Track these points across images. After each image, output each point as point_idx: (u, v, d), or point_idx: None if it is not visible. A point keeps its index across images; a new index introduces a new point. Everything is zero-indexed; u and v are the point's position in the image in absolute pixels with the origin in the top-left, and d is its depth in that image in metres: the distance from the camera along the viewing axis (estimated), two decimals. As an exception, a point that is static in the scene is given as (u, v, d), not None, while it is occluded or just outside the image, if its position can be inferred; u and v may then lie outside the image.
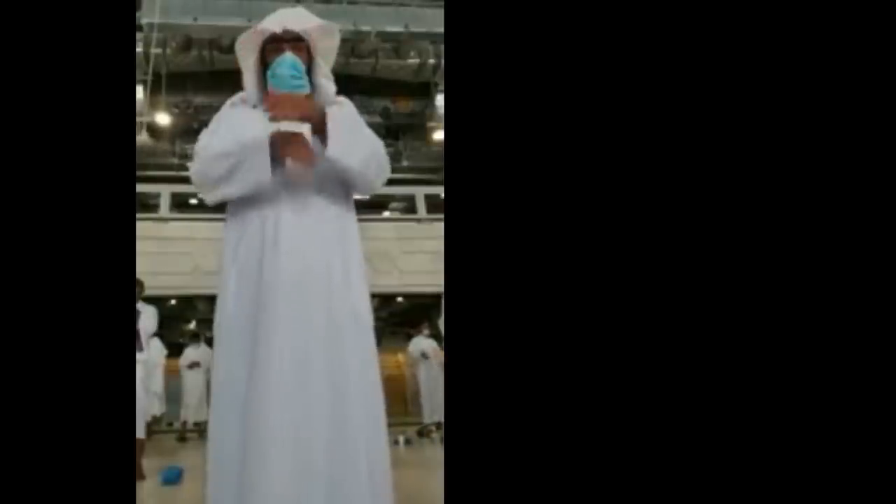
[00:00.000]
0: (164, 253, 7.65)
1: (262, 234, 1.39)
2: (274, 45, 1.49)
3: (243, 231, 1.42)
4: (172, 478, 3.48)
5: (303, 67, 1.48)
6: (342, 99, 1.59)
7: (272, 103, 1.40)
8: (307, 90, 1.50)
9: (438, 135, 9.28)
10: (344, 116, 1.45)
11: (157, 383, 7.14)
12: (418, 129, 9.87)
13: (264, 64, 1.51)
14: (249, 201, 1.42)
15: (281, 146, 1.38)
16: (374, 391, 1.39)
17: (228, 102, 1.57)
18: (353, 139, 1.45)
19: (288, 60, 1.45)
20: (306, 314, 1.34)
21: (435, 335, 7.41)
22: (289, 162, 1.40)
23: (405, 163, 9.92)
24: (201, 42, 7.95)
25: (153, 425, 7.01)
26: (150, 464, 4.01)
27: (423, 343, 7.44)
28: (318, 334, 1.34)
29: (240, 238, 1.42)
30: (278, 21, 1.51)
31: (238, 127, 1.43)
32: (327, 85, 1.55)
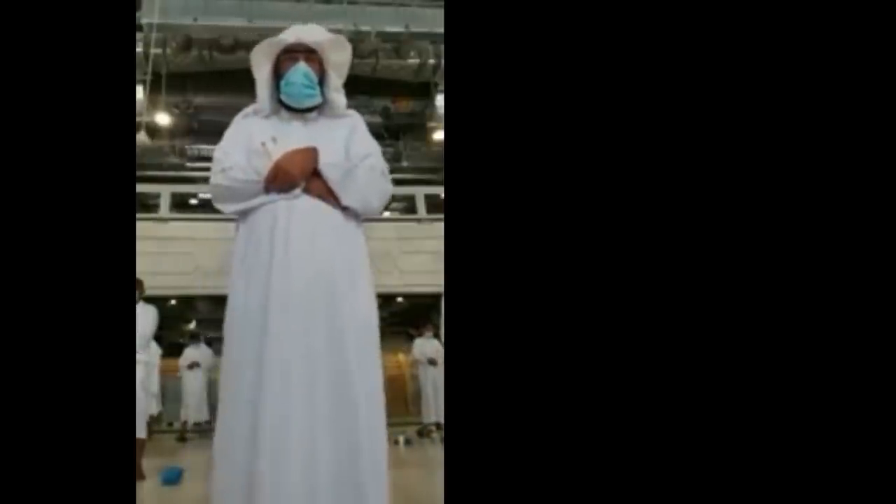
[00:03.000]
0: (164, 253, 7.63)
1: (272, 239, 1.42)
2: (288, 55, 1.57)
3: (252, 234, 1.46)
4: (172, 478, 3.48)
5: (315, 78, 1.56)
6: (352, 112, 1.65)
7: (268, 179, 1.45)
8: (318, 100, 1.59)
9: (438, 135, 9.26)
10: (335, 166, 1.49)
11: (154, 383, 7.15)
12: (418, 129, 9.85)
13: (277, 75, 1.58)
14: (259, 209, 1.47)
15: (269, 182, 1.45)
16: (375, 398, 1.41)
17: (241, 114, 1.64)
18: (350, 184, 1.49)
19: (301, 69, 1.54)
20: (313, 321, 1.37)
21: (437, 335, 7.39)
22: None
23: (405, 163, 9.90)
24: (201, 42, 7.94)
25: (152, 425, 7.02)
26: (150, 464, 4.00)
27: (427, 346, 7.40)
28: (323, 341, 1.36)
29: (248, 241, 1.47)
30: (293, 33, 1.59)
31: (250, 146, 1.50)
32: (338, 98, 1.62)
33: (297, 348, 1.34)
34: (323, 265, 1.42)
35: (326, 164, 1.47)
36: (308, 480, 1.27)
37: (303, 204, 1.45)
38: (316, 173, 1.47)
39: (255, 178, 1.46)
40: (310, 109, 1.59)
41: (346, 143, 1.57)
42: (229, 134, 1.60)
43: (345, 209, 1.49)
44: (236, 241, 1.51)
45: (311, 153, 1.47)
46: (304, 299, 1.37)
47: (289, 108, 1.59)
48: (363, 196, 1.51)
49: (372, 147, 1.60)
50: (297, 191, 1.45)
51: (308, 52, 1.56)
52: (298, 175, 1.45)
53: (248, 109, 1.63)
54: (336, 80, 1.61)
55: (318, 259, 1.41)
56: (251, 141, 1.52)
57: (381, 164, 1.59)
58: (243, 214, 1.51)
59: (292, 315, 1.35)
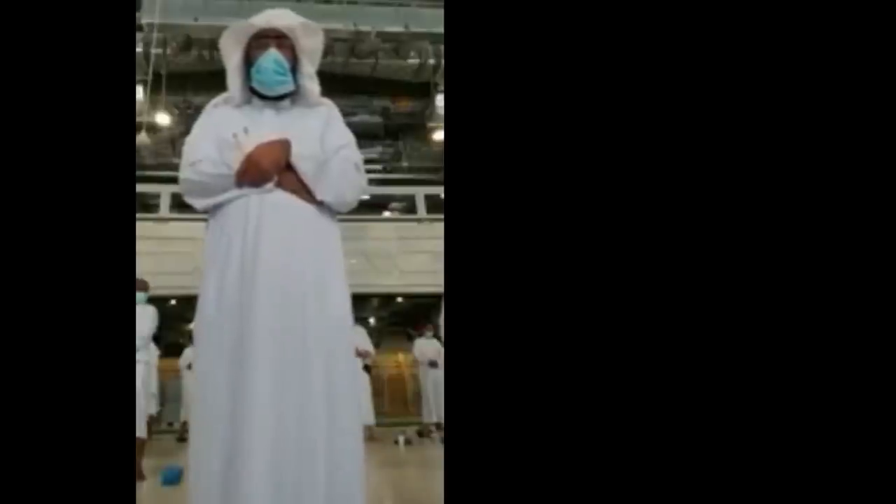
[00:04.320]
0: (164, 253, 7.63)
1: (244, 236, 1.39)
2: (258, 41, 1.52)
3: (224, 231, 1.43)
4: (172, 478, 3.47)
5: (287, 65, 1.51)
6: (326, 101, 1.61)
7: (239, 172, 1.41)
8: (290, 87, 1.54)
9: (438, 135, 9.27)
10: (308, 158, 1.45)
11: (153, 383, 7.17)
12: (418, 129, 9.86)
13: (248, 63, 1.53)
14: (230, 204, 1.43)
15: (240, 175, 1.41)
16: (343, 396, 1.37)
17: (211, 104, 1.59)
18: (324, 178, 1.46)
19: (272, 55, 1.49)
20: (284, 321, 1.34)
21: (437, 335, 7.38)
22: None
23: (405, 163, 9.91)
24: (201, 42, 7.94)
25: (152, 425, 7.04)
26: (150, 464, 4.00)
27: (427, 346, 7.39)
28: (294, 341, 1.33)
29: (220, 238, 1.43)
30: (263, 18, 1.54)
31: (220, 137, 1.45)
32: (311, 86, 1.57)
33: (275, 349, 1.31)
34: (296, 262, 1.38)
35: (299, 156, 1.43)
36: (273, 486, 1.24)
37: (276, 198, 1.41)
38: (289, 166, 1.42)
39: (226, 171, 1.41)
40: (282, 97, 1.55)
41: (321, 133, 1.52)
42: (198, 125, 1.54)
43: (319, 203, 1.46)
44: (207, 238, 1.46)
45: (284, 145, 1.42)
46: (277, 298, 1.34)
47: (261, 97, 1.54)
48: (337, 190, 1.47)
49: (347, 138, 1.55)
50: (270, 185, 1.41)
51: (279, 38, 1.52)
52: (270, 168, 1.40)
53: (219, 99, 1.58)
54: (309, 68, 1.55)
55: (290, 256, 1.37)
56: (222, 132, 1.46)
57: (356, 157, 1.55)
58: (214, 209, 1.46)
59: (265, 315, 1.32)
